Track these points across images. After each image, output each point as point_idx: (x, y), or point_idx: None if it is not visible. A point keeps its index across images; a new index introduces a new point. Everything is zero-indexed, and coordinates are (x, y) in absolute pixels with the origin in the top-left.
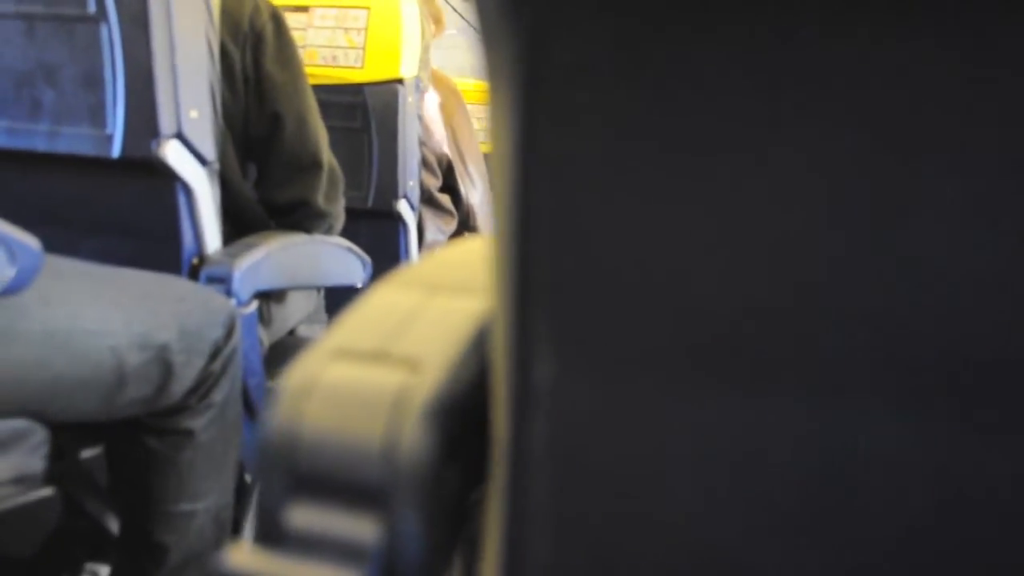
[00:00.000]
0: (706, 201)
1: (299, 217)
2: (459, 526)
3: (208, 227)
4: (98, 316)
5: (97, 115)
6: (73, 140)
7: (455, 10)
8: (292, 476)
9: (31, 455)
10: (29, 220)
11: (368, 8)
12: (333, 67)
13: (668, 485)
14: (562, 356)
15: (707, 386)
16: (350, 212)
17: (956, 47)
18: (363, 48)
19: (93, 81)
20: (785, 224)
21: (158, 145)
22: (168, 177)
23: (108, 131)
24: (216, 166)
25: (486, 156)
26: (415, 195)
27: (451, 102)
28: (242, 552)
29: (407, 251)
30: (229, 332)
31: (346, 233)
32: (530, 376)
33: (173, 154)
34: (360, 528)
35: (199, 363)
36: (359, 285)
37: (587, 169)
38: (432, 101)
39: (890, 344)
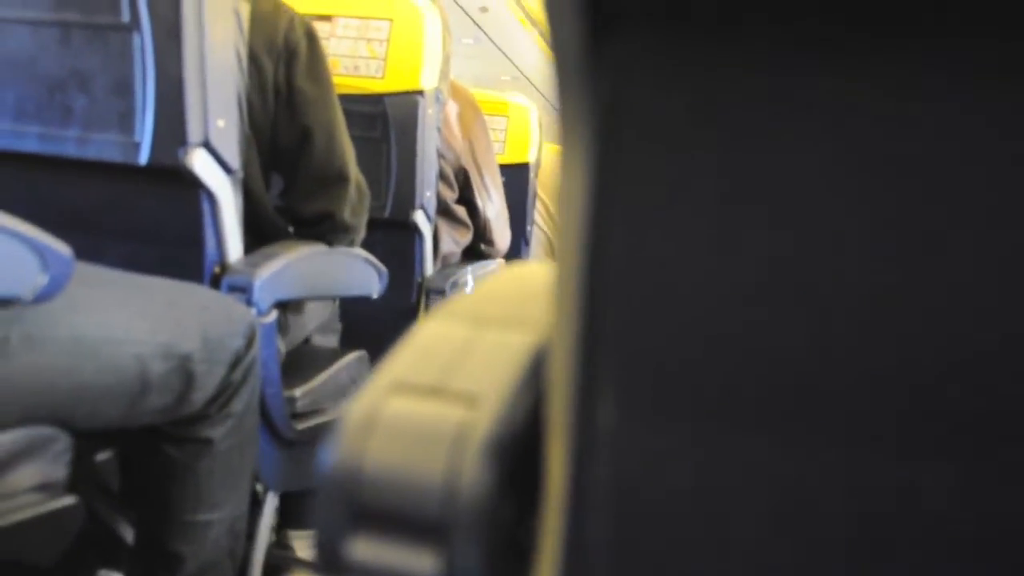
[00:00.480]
0: (766, 256)
1: (324, 229)
2: (514, 560)
3: (231, 236)
4: (125, 324)
5: (126, 122)
6: (102, 146)
7: (474, 21)
8: (354, 509)
9: (55, 462)
10: (57, 225)
11: (391, 19)
12: (354, 76)
13: (726, 533)
14: (625, 401)
15: (764, 433)
16: (368, 222)
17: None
18: (384, 59)
19: (124, 89)
20: (836, 277)
21: (185, 153)
22: (193, 185)
23: (136, 138)
24: (240, 175)
25: (502, 168)
26: (432, 206)
27: (469, 114)
28: None
29: (422, 261)
30: (250, 342)
31: (363, 242)
32: (592, 419)
33: (199, 162)
34: (420, 561)
35: (220, 372)
36: (375, 295)
37: (656, 221)
38: (451, 112)
39: (927, 394)
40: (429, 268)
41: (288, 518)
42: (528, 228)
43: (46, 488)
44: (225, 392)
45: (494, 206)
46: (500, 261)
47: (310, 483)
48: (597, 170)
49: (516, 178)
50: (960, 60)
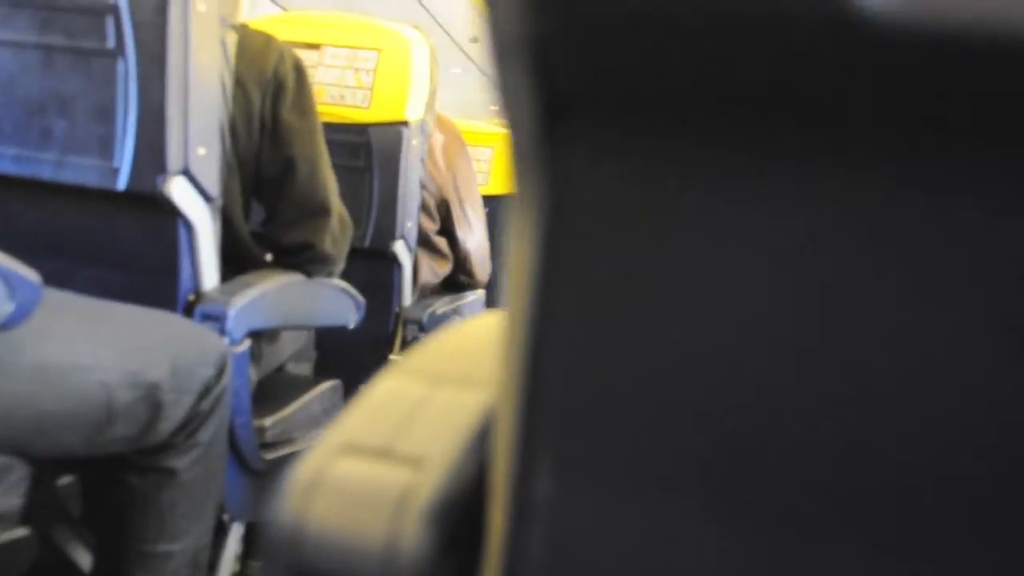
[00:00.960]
0: (706, 331)
1: (304, 259)
2: None
3: (207, 264)
4: (91, 352)
5: (106, 147)
6: (80, 171)
7: (462, 50)
8: (296, 571)
9: (9, 493)
10: (28, 248)
11: (379, 49)
12: (340, 105)
13: None
14: (562, 473)
15: (699, 511)
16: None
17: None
18: (371, 88)
19: (105, 114)
20: (773, 353)
21: (164, 180)
22: (171, 212)
23: (115, 164)
24: (219, 203)
25: (487, 198)
26: (412, 237)
27: (453, 145)
28: None
29: (400, 291)
30: (220, 371)
31: (342, 271)
32: (529, 489)
33: (178, 190)
34: None
35: (188, 402)
36: (351, 326)
37: (601, 294)
38: (436, 144)
39: (863, 481)
40: (407, 298)
41: (253, 548)
42: None
43: (1, 519)
44: (193, 422)
45: (475, 238)
46: (480, 292)
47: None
48: (546, 242)
49: (501, 209)
50: (891, 160)
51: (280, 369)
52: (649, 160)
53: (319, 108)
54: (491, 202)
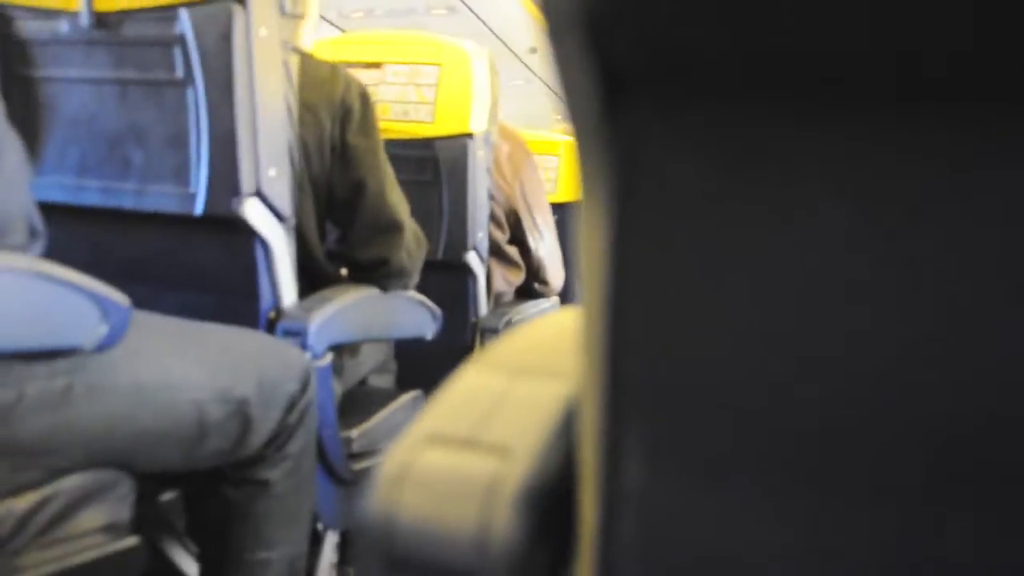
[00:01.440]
0: (789, 307)
1: (380, 275)
2: None
3: (284, 281)
4: (183, 371)
5: (181, 174)
6: (158, 198)
7: (522, 61)
8: (390, 559)
9: (119, 504)
10: (116, 275)
11: (440, 64)
12: (404, 121)
13: None
14: (651, 458)
15: (792, 490)
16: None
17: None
18: (433, 103)
19: (178, 142)
20: (859, 328)
21: (239, 203)
22: (247, 233)
23: (191, 189)
24: (292, 222)
25: (554, 206)
26: (484, 247)
27: (519, 155)
28: None
29: (476, 302)
30: (304, 385)
31: (417, 284)
32: (620, 476)
33: (252, 211)
34: None
35: (276, 416)
36: (428, 337)
37: (676, 275)
38: (501, 154)
39: (949, 447)
40: (483, 308)
41: (349, 555)
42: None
43: (111, 529)
44: (281, 435)
45: (546, 245)
46: (555, 299)
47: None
48: (616, 226)
49: (569, 216)
50: (970, 123)
51: (363, 383)
52: (717, 139)
53: (385, 125)
54: (560, 210)
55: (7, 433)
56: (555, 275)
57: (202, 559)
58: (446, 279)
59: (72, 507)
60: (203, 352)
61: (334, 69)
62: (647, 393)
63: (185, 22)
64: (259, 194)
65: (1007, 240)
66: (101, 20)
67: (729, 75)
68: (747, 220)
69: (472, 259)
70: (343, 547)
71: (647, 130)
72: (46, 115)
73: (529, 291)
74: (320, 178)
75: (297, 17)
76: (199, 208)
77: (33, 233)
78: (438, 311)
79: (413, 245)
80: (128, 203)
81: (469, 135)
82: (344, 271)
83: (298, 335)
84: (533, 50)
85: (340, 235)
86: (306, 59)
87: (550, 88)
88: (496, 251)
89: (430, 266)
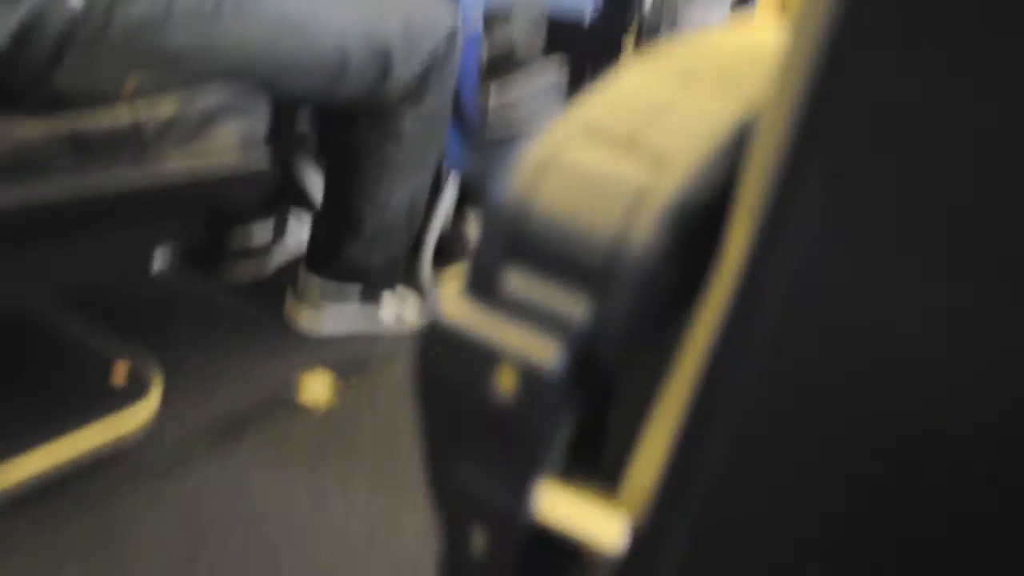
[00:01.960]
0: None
1: None
2: (664, 325)
3: None
4: (328, 7)
5: None
6: None
7: None
8: (516, 242)
9: (255, 120)
10: None
11: None
12: None
13: (896, 356)
14: (826, 215)
15: (958, 274)
16: None
17: None
18: None
19: None
20: None
21: None
22: None
23: None
24: None
25: None
26: None
27: None
28: (453, 301)
29: None
30: (450, 45)
31: None
32: (785, 213)
33: None
34: (569, 304)
35: (415, 69)
36: (586, 18)
37: (885, 34)
38: None
39: None
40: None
41: (467, 198)
42: None
43: (247, 144)
44: (419, 89)
45: None
46: None
47: (493, 171)
48: None
49: None
50: None
51: (510, 54)
52: None
53: None
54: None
55: (154, 43)
56: None
57: (327, 186)
58: None
59: (212, 118)
60: None
61: None
62: (836, 151)
63: None
64: None
65: None
66: None
67: None
68: None
69: None
70: (463, 194)
71: None
72: None
73: None
74: None
75: None
76: None
77: None
78: None
79: None
80: None
81: None
82: None
83: None
84: None
85: None
86: None
87: None
88: None
89: None
